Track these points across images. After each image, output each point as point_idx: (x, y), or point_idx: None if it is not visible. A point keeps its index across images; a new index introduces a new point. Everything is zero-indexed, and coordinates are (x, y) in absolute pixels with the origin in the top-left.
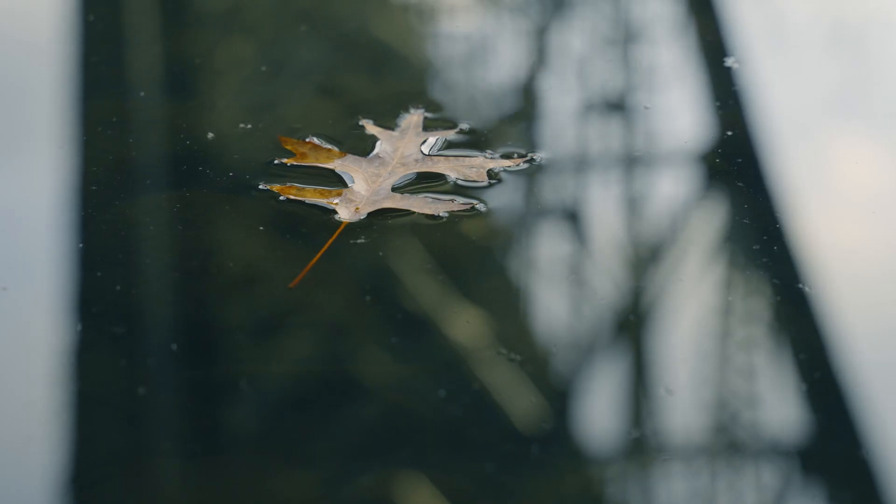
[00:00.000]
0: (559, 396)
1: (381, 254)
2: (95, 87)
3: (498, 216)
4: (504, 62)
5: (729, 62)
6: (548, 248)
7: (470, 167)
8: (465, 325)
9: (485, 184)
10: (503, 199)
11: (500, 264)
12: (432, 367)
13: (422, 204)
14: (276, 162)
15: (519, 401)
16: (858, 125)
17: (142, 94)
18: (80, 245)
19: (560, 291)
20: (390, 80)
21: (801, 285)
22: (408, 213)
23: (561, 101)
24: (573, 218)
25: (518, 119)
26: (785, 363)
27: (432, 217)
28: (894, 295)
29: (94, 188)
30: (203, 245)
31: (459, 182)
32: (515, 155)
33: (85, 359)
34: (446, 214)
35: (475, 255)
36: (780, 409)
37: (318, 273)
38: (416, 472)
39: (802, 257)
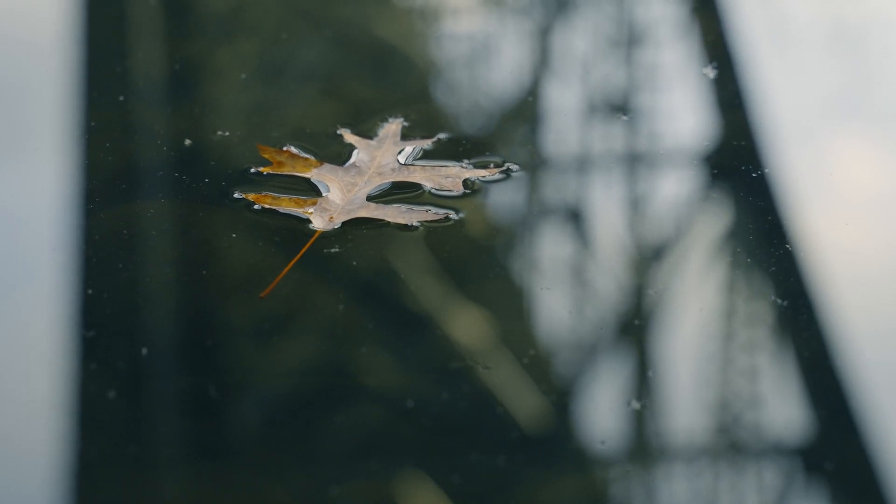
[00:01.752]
0: (555, 398)
1: (354, 263)
2: (82, 93)
3: (473, 225)
4: (490, 70)
5: (707, 70)
6: (524, 256)
7: (446, 177)
8: (438, 332)
9: (460, 194)
10: (478, 209)
11: (476, 271)
12: (407, 374)
13: (396, 213)
14: (252, 170)
15: (503, 405)
16: (860, 126)
17: (120, 98)
18: (54, 251)
19: (539, 297)
20: (374, 88)
21: (802, 287)
22: (382, 222)
23: (546, 108)
24: (553, 224)
25: (497, 127)
26: (787, 364)
27: (406, 227)
28: (894, 295)
29: (71, 195)
30: (176, 254)
31: (434, 192)
32: (491, 164)
33: (61, 363)
34: (420, 224)
35: (451, 263)
36: (783, 409)
37: (291, 282)
38: (408, 476)
39: (804, 259)
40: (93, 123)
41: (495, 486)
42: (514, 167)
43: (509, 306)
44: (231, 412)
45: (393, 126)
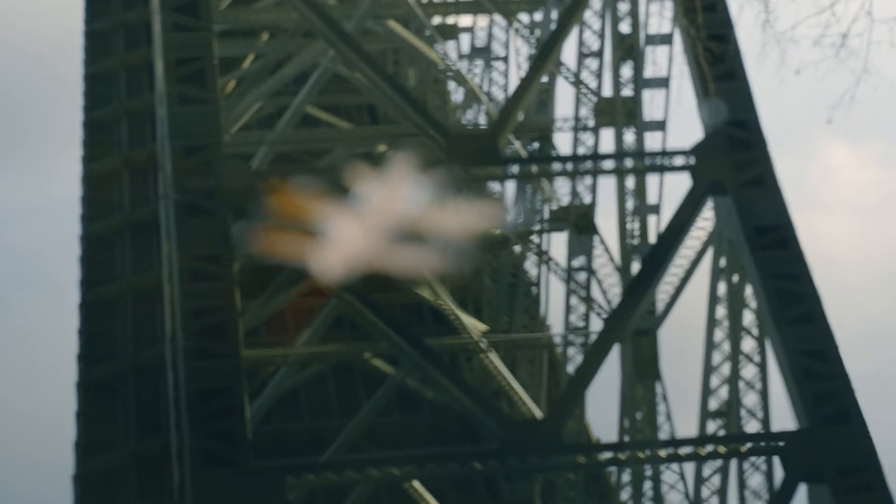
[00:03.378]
0: (562, 397)
1: (361, 306)
2: (89, 103)
3: (488, 255)
4: (496, 86)
5: (709, 84)
6: (542, 262)
7: (461, 214)
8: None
9: (477, 234)
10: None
11: (496, 277)
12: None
13: (410, 261)
14: (260, 205)
15: (522, 401)
16: (854, 134)
17: (123, 118)
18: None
19: (562, 300)
20: (383, 112)
21: (802, 290)
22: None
23: (552, 120)
24: (573, 232)
25: (503, 139)
26: (785, 365)
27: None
28: (888, 301)
29: (74, 209)
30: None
31: (449, 233)
32: (503, 199)
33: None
34: (436, 272)
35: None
36: (780, 409)
37: (299, 324)
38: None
39: (804, 261)
40: (96, 137)
41: (500, 478)
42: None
43: (510, 313)
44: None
45: (404, 157)
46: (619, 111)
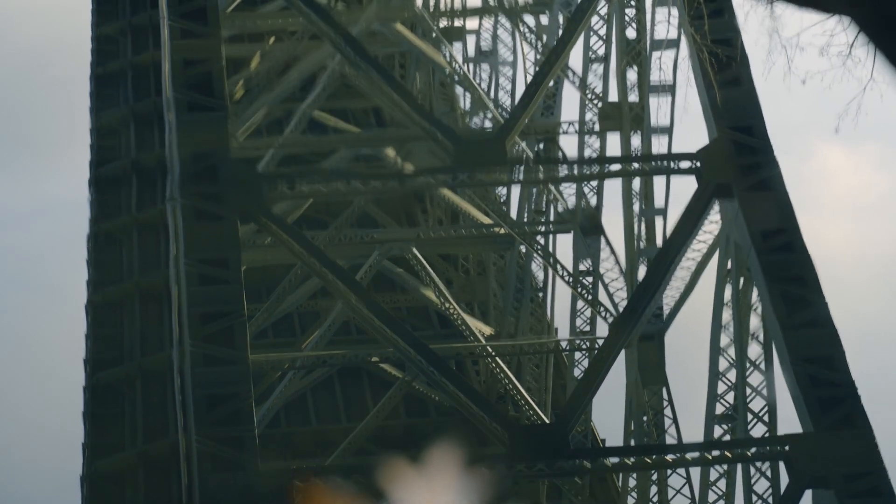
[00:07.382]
0: (567, 398)
1: (368, 312)
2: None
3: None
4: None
5: (714, 89)
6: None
7: None
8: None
9: None
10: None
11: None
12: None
13: None
14: None
15: (529, 402)
16: (850, 137)
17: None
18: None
19: (572, 301)
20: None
21: (808, 295)
22: None
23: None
24: (579, 234)
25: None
26: (790, 370)
27: None
28: (884, 302)
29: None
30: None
31: None
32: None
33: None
34: None
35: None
36: (785, 413)
37: None
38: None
39: (811, 265)
40: (104, 141)
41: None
42: None
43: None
44: None
45: (447, 454)
46: (626, 115)
